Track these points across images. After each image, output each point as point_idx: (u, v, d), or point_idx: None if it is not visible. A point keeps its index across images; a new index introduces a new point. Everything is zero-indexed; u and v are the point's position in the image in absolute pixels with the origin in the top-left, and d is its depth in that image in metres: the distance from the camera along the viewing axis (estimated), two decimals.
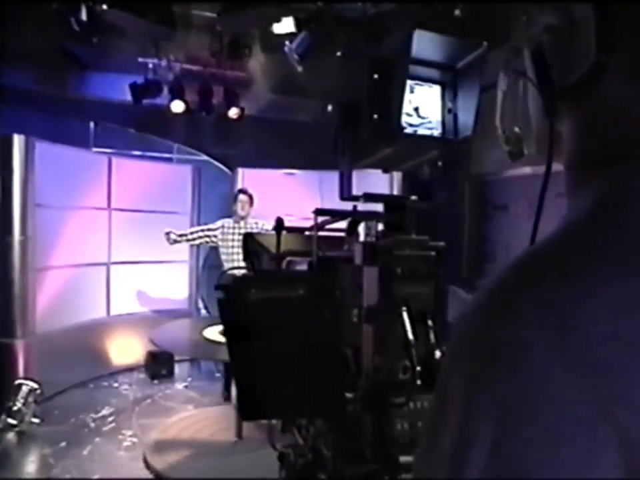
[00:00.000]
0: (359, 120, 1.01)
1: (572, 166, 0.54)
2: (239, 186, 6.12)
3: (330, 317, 1.04)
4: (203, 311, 6.52)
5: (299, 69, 5.31)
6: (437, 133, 1.05)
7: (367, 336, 1.07)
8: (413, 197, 1.11)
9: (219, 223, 4.79)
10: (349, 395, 1.09)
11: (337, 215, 1.40)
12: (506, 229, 5.29)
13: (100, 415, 4.40)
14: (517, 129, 0.65)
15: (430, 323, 1.03)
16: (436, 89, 1.05)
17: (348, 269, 1.21)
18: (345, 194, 1.06)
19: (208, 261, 6.35)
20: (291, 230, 1.68)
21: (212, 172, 6.52)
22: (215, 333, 3.88)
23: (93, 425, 4.20)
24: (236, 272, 4.37)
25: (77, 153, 5.24)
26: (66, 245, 4.91)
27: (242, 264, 4.88)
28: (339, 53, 5.39)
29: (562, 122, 0.53)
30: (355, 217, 1.35)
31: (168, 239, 4.73)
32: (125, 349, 5.56)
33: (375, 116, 0.96)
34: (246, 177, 6.08)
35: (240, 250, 4.63)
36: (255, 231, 4.71)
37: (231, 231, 4.71)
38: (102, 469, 3.49)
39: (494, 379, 0.38)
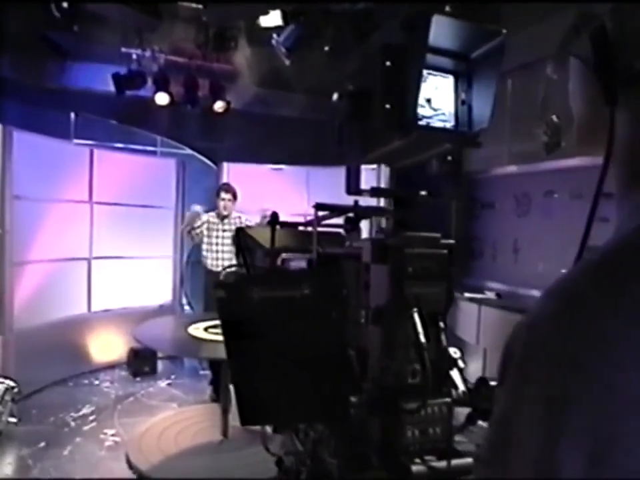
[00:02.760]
0: (369, 110, 0.96)
1: (627, 161, 0.49)
2: (225, 181, 6.05)
3: (336, 317, 0.99)
4: (187, 307, 6.42)
5: (287, 62, 5.24)
6: (449, 125, 1.00)
7: (374, 338, 1.02)
8: (423, 192, 1.06)
9: (204, 217, 4.72)
10: (353, 399, 1.04)
11: (338, 209, 1.34)
12: (492, 227, 5.29)
13: (80, 413, 4.29)
14: (555, 119, 0.60)
15: (441, 324, 0.99)
16: (449, 79, 1.01)
17: (352, 267, 1.16)
18: (353, 188, 1.00)
19: (192, 256, 6.25)
20: (285, 225, 1.62)
21: (196, 166, 6.41)
22: (200, 330, 3.80)
23: (73, 424, 4.09)
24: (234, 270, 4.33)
25: (58, 144, 5.10)
26: (45, 238, 4.77)
27: (225, 261, 4.87)
28: (326, 48, 5.33)
29: (617, 111, 0.48)
30: (358, 212, 1.30)
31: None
32: (106, 346, 5.45)
33: (387, 106, 0.91)
34: (231, 172, 5.99)
35: (222, 247, 4.65)
36: (239, 226, 4.66)
37: (214, 227, 4.68)
38: (83, 469, 3.39)
39: (585, 400, 0.33)
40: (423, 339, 0.91)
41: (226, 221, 4.69)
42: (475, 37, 0.95)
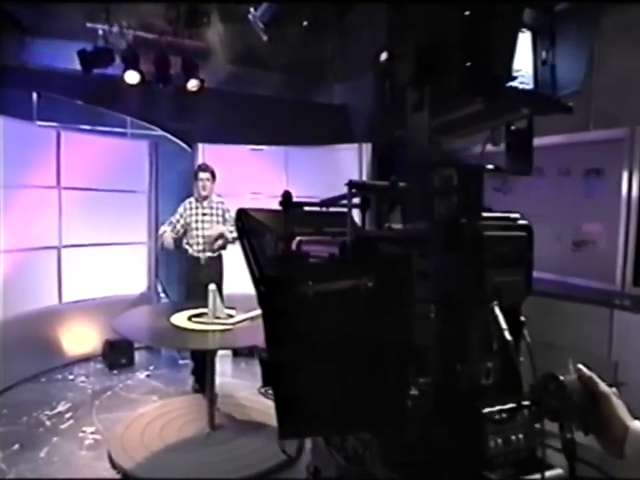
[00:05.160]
0: (439, 69, 0.81)
1: None
2: (200, 162, 5.82)
3: (402, 313, 0.86)
4: (162, 295, 6.18)
5: (265, 38, 5.01)
6: (527, 87, 0.87)
7: (442, 335, 0.88)
8: (490, 166, 0.93)
9: (180, 209, 4.56)
10: (412, 403, 0.91)
11: (375, 189, 1.20)
12: None
13: (56, 411, 4.08)
14: None
15: (522, 318, 0.86)
16: (527, 35, 0.87)
17: (397, 253, 1.01)
18: (419, 162, 0.86)
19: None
20: (297, 205, 1.47)
21: (170, 148, 6.13)
22: (183, 319, 3.63)
23: (48, 423, 3.87)
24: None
25: (21, 126, 4.77)
26: (11, 227, 4.49)
27: (207, 245, 4.66)
28: (305, 23, 5.13)
29: None
30: (398, 190, 1.16)
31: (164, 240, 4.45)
32: (80, 338, 5.22)
33: (468, 64, 0.77)
34: (207, 153, 5.76)
35: (203, 231, 4.45)
36: (219, 211, 4.50)
37: (193, 211, 4.49)
38: (63, 471, 3.20)
39: None
40: (508, 336, 0.79)
41: (205, 203, 4.50)
42: None
